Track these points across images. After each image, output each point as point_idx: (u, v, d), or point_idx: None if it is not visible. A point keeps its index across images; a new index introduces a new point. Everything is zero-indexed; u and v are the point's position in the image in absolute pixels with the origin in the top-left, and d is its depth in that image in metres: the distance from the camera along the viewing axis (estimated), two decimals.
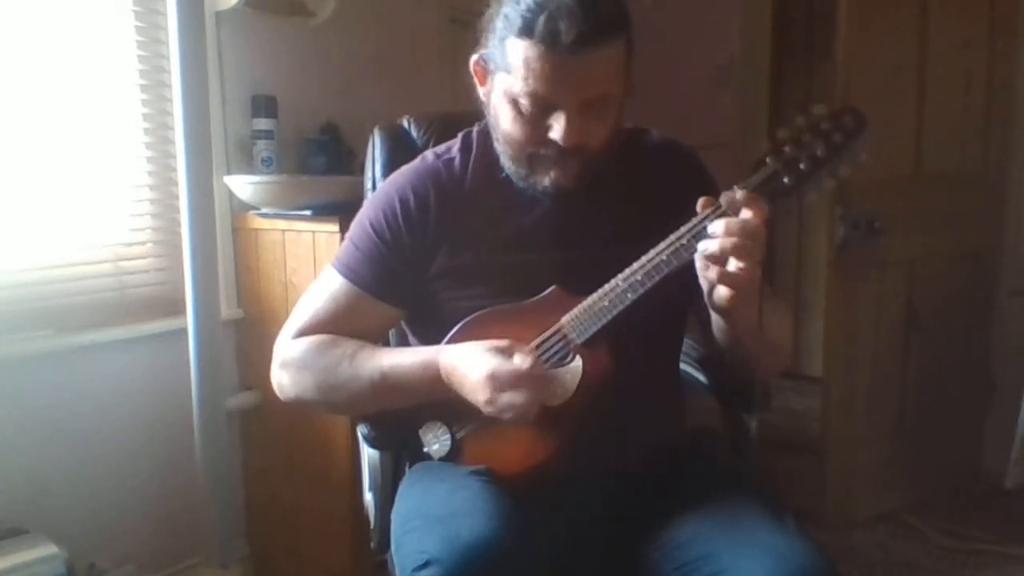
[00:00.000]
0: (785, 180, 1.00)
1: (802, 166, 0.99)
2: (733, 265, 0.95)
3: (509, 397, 0.98)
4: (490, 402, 0.99)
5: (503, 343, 1.02)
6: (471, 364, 1.02)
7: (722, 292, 0.98)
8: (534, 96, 1.02)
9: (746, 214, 0.96)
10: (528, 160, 1.09)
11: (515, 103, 1.05)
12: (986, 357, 2.53)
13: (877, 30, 2.12)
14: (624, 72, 1.05)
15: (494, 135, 1.13)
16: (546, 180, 1.09)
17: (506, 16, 1.02)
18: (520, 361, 0.99)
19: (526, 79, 1.01)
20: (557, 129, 1.03)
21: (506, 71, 1.04)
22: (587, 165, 1.08)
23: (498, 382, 0.98)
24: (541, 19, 0.98)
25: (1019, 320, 2.49)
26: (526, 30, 1.00)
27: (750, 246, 0.94)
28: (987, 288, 2.50)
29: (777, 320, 1.10)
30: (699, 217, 1.00)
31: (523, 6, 1.00)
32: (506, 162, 1.13)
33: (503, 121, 1.08)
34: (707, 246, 0.96)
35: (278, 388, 1.18)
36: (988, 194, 2.45)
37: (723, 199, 0.98)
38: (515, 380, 0.98)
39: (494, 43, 1.05)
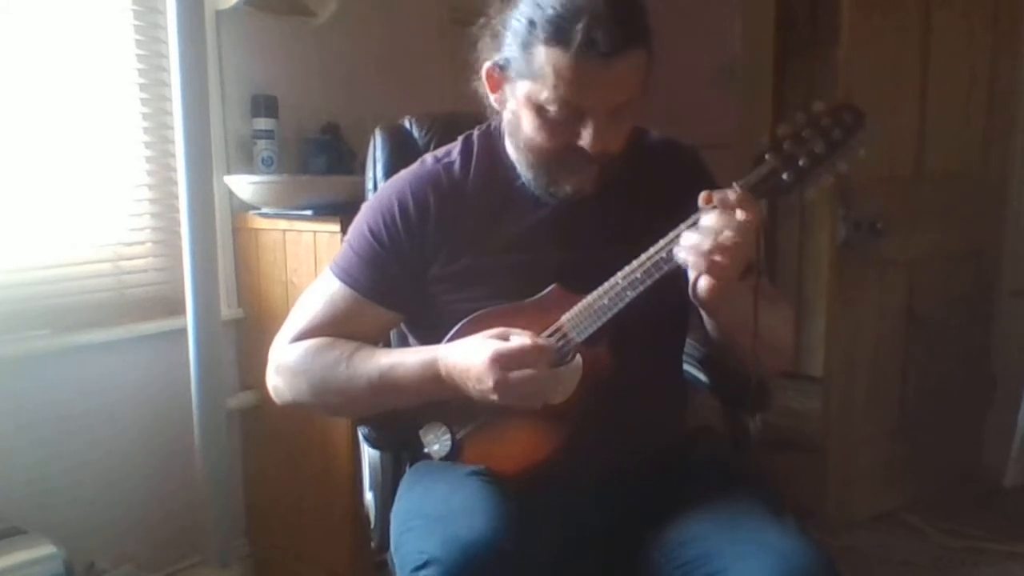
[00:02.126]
0: (784, 176, 1.00)
1: (801, 163, 0.99)
2: (719, 258, 0.96)
3: (519, 375, 0.98)
4: (499, 384, 0.98)
5: (498, 330, 1.02)
6: (472, 354, 1.01)
7: (702, 283, 1.00)
8: (564, 103, 1.01)
9: (737, 213, 0.96)
10: (551, 167, 1.08)
11: (540, 110, 1.04)
12: (986, 356, 2.53)
13: (880, 29, 2.12)
14: (646, 78, 1.05)
15: (513, 142, 1.12)
16: (568, 187, 1.08)
17: (531, 23, 1.00)
18: (521, 338, 0.99)
19: (556, 87, 1.00)
20: (586, 136, 1.02)
21: (531, 79, 1.02)
22: (605, 170, 1.08)
23: (504, 362, 0.98)
24: (578, 28, 0.96)
25: (1020, 319, 2.49)
26: (558, 38, 0.98)
27: (732, 243, 0.95)
28: (988, 287, 2.50)
29: (776, 320, 1.10)
30: (698, 214, 1.00)
31: (551, 12, 0.99)
32: (524, 169, 1.12)
33: (527, 128, 1.07)
34: (689, 236, 0.98)
35: (273, 392, 1.18)
36: (989, 193, 2.45)
37: (718, 196, 0.98)
38: (521, 356, 0.98)
39: (514, 50, 1.03)
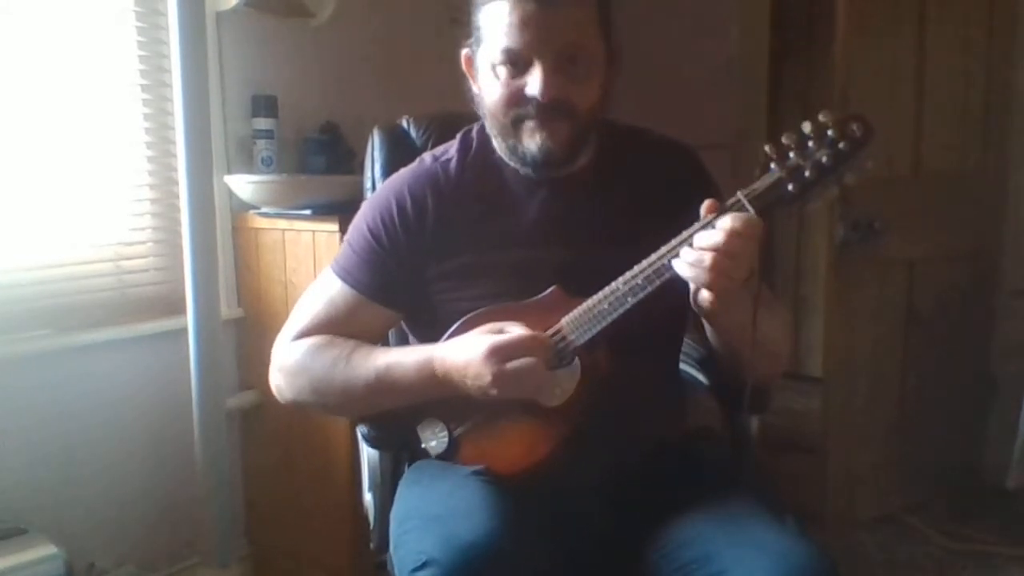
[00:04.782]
0: (789, 187, 0.98)
1: (807, 174, 0.98)
2: (715, 272, 0.96)
3: (516, 364, 0.98)
4: (497, 377, 0.98)
5: (491, 325, 1.02)
6: (468, 350, 1.01)
7: (704, 295, 1.00)
8: (509, 52, 1.04)
9: (736, 226, 0.95)
10: (513, 125, 1.08)
11: (494, 70, 1.06)
12: (986, 357, 2.53)
13: (876, 30, 2.12)
14: (599, 32, 1.07)
15: (485, 119, 1.14)
16: (533, 145, 1.08)
17: None
18: (515, 329, 1.00)
19: (500, 37, 1.04)
20: (533, 83, 1.04)
21: (485, 42, 1.06)
22: (575, 132, 1.08)
23: (501, 353, 0.98)
24: None
25: (1019, 320, 2.49)
26: None
27: (729, 265, 0.95)
28: (987, 288, 2.50)
29: (774, 327, 1.09)
30: (701, 222, 0.99)
31: None
32: (497, 142, 1.14)
33: (487, 95, 1.09)
34: (687, 254, 0.97)
35: (276, 391, 1.19)
36: (987, 194, 2.45)
37: (720, 208, 0.98)
38: (516, 346, 0.99)
39: (473, 23, 1.08)
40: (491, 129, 1.13)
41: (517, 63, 1.04)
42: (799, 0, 3.35)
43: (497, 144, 1.15)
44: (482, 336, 1.01)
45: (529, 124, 1.07)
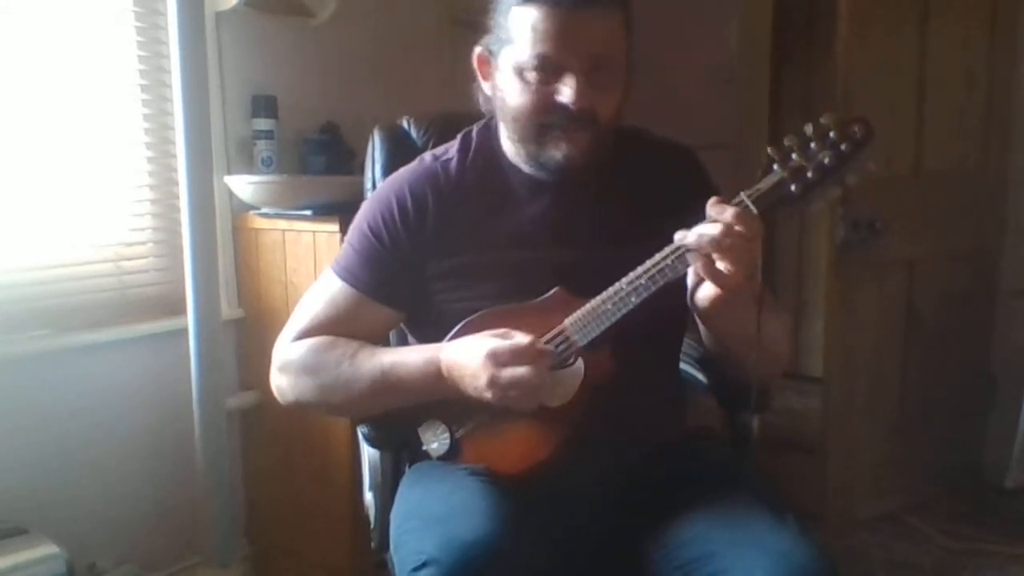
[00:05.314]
0: (792, 188, 0.99)
1: (810, 175, 0.99)
2: (723, 265, 0.96)
3: (511, 371, 0.99)
4: (493, 381, 0.99)
5: (500, 330, 1.03)
6: (470, 351, 1.02)
7: (707, 291, 0.99)
8: (541, 59, 1.03)
9: (738, 218, 0.96)
10: (538, 132, 1.08)
11: (522, 74, 1.06)
12: (986, 357, 2.53)
13: (877, 30, 2.12)
14: (624, 41, 1.07)
15: (502, 119, 1.14)
16: (558, 153, 1.08)
17: None
18: (518, 337, 1.00)
19: (533, 42, 1.03)
20: (566, 92, 1.04)
21: (510, 44, 1.06)
22: (596, 141, 1.08)
23: (498, 358, 0.99)
24: None
25: (1019, 320, 2.49)
26: None
27: (741, 247, 0.95)
28: (987, 288, 2.50)
29: (774, 328, 1.09)
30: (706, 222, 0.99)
31: None
32: (515, 146, 1.13)
33: (511, 98, 1.08)
34: (703, 230, 0.96)
35: (277, 392, 1.18)
36: (988, 194, 2.45)
37: (722, 206, 0.97)
38: (515, 353, 0.99)
39: (498, 23, 1.08)
40: (510, 133, 1.13)
41: (547, 69, 1.04)
42: (800, 0, 3.36)
43: (511, 147, 1.14)
44: (485, 339, 1.02)
45: (555, 133, 1.07)
